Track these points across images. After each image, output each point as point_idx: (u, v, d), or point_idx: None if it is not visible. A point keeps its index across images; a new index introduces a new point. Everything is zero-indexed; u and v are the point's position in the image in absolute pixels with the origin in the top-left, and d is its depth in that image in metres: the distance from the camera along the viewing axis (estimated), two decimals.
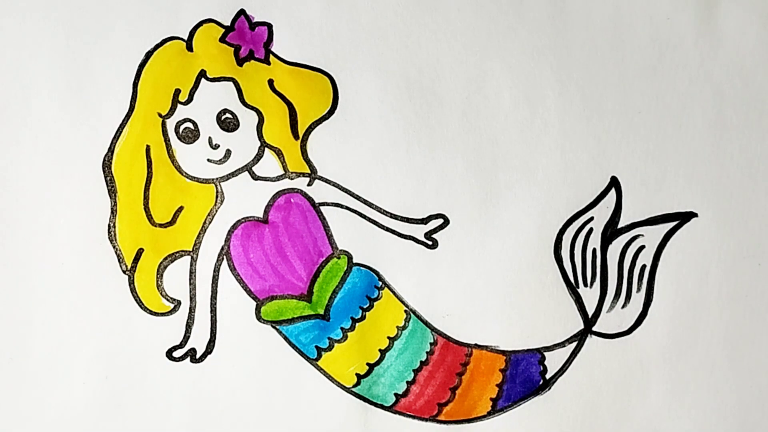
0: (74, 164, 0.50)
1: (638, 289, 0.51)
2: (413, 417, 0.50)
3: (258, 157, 0.51)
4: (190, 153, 0.50)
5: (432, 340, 0.51)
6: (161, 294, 0.50)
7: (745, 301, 0.51)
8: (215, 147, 0.50)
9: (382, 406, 0.50)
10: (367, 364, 0.50)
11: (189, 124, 0.50)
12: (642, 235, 0.51)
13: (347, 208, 0.51)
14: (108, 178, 0.50)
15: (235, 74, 0.51)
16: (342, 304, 0.50)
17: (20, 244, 0.50)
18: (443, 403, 0.50)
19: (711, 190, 0.52)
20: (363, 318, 0.50)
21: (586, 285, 0.51)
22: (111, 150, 0.50)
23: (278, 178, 0.51)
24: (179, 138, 0.50)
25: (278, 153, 0.51)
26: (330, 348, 0.50)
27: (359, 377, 0.50)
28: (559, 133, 0.52)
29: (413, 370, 0.50)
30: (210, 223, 0.50)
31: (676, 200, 0.52)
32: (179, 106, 0.50)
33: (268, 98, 0.51)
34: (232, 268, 0.50)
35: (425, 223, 0.51)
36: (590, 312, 0.51)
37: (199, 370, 0.50)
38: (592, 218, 0.51)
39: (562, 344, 0.51)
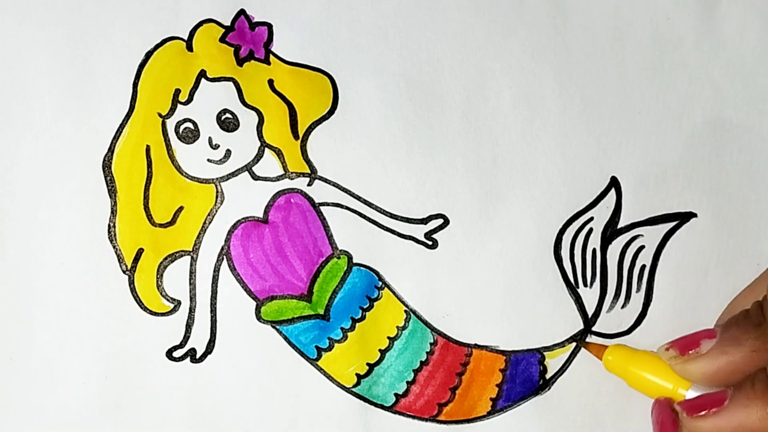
0: (74, 164, 0.50)
1: (638, 289, 0.51)
2: (413, 417, 0.50)
3: (258, 157, 0.51)
4: (190, 153, 0.50)
5: (432, 340, 0.51)
6: (161, 294, 0.50)
7: None
8: (215, 147, 0.50)
9: (382, 406, 0.50)
10: (367, 364, 0.50)
11: (189, 124, 0.50)
12: (642, 235, 0.51)
13: (347, 208, 0.51)
14: (108, 178, 0.50)
15: (235, 74, 0.51)
16: (342, 304, 0.50)
17: (20, 244, 0.50)
18: (443, 403, 0.50)
19: (711, 190, 0.52)
20: (363, 318, 0.50)
21: (585, 285, 0.51)
22: (111, 150, 0.50)
23: (278, 178, 0.51)
24: (179, 138, 0.50)
25: (278, 153, 0.51)
26: (330, 348, 0.50)
27: (359, 377, 0.50)
28: (559, 133, 0.52)
29: (413, 370, 0.50)
30: (210, 223, 0.50)
31: (675, 200, 0.52)
32: (179, 106, 0.50)
33: (268, 98, 0.51)
34: (232, 268, 0.50)
35: (425, 223, 0.51)
36: (590, 312, 0.51)
37: (199, 370, 0.50)
38: (592, 218, 0.51)
39: (562, 344, 0.51)
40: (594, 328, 0.51)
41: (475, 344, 0.51)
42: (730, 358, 0.43)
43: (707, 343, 0.44)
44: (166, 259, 0.50)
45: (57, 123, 0.50)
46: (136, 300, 0.50)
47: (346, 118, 0.51)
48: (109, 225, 0.50)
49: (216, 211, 0.50)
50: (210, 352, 0.50)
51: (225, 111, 0.50)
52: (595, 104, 0.52)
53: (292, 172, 0.51)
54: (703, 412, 0.43)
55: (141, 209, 0.50)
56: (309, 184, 0.51)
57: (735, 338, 0.43)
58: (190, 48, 0.51)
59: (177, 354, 0.50)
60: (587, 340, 0.51)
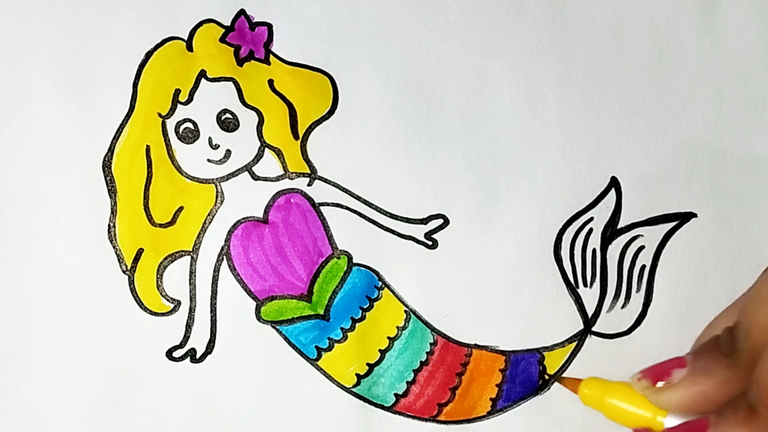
0: (74, 164, 0.50)
1: (638, 290, 0.51)
2: (413, 417, 0.50)
3: (258, 157, 0.51)
4: (190, 153, 0.50)
5: (432, 340, 0.51)
6: (161, 294, 0.50)
7: None
8: (215, 147, 0.50)
9: (382, 407, 0.50)
10: (367, 364, 0.50)
11: (189, 124, 0.50)
12: (642, 236, 0.51)
13: (347, 208, 0.51)
14: (108, 178, 0.50)
15: (235, 74, 0.51)
16: (342, 304, 0.50)
17: (20, 244, 0.50)
18: (443, 404, 0.50)
19: (711, 190, 0.52)
20: (363, 318, 0.50)
21: (585, 285, 0.51)
22: (111, 150, 0.50)
23: (278, 178, 0.51)
24: (179, 138, 0.50)
25: (278, 153, 0.51)
26: (330, 348, 0.50)
27: (359, 377, 0.50)
28: (559, 133, 0.52)
29: (413, 371, 0.50)
30: (210, 223, 0.50)
31: (675, 200, 0.52)
32: (179, 106, 0.50)
33: (268, 98, 0.51)
34: (232, 268, 0.50)
35: (425, 223, 0.51)
36: (590, 312, 0.51)
37: (199, 370, 0.50)
38: (592, 218, 0.51)
39: (561, 344, 0.51)
40: (594, 328, 0.51)
41: (475, 344, 0.51)
42: (701, 389, 0.42)
43: (678, 373, 0.43)
44: (166, 259, 0.50)
45: (57, 123, 0.50)
46: (136, 300, 0.50)
47: (346, 118, 0.51)
48: (109, 225, 0.50)
49: (216, 211, 0.50)
50: (210, 352, 0.50)
51: (225, 111, 0.50)
52: (595, 104, 0.52)
53: (292, 172, 0.51)
54: None
55: (141, 209, 0.50)
56: (309, 184, 0.51)
57: (705, 368, 0.42)
58: (190, 48, 0.51)
59: (177, 354, 0.50)
60: (587, 339, 0.51)
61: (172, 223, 0.50)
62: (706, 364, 0.43)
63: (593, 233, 0.51)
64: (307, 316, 0.50)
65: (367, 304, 0.50)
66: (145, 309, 0.50)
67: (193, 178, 0.50)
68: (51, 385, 0.49)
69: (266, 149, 0.51)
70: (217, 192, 0.50)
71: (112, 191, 0.50)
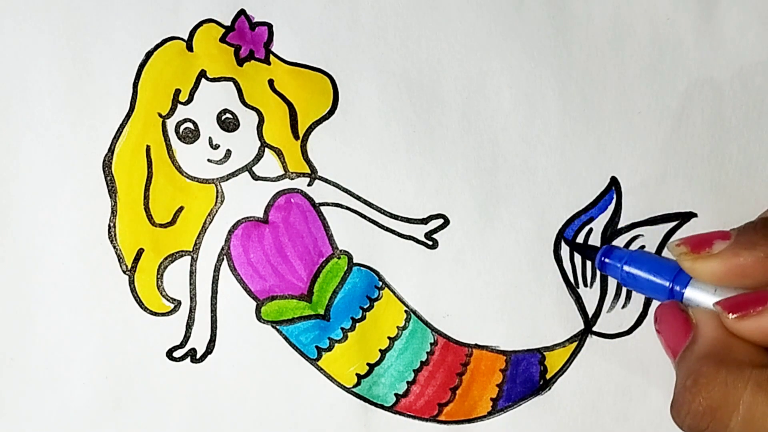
0: (74, 164, 0.50)
1: None
2: (413, 417, 0.50)
3: (258, 157, 0.51)
4: (191, 153, 0.50)
5: (432, 340, 0.51)
6: (161, 294, 0.50)
7: None
8: (215, 147, 0.50)
9: (382, 407, 0.50)
10: (368, 364, 0.50)
11: (189, 124, 0.50)
12: (642, 235, 0.51)
13: (347, 208, 0.51)
14: (108, 178, 0.50)
15: (235, 74, 0.51)
16: (342, 304, 0.50)
17: (20, 244, 0.50)
18: (443, 404, 0.50)
19: (711, 190, 0.52)
20: (363, 318, 0.50)
21: (586, 285, 0.51)
22: (111, 150, 0.50)
23: (278, 178, 0.51)
24: (179, 138, 0.50)
25: (278, 153, 0.51)
26: (330, 348, 0.50)
27: (359, 377, 0.50)
28: (559, 133, 0.52)
29: (413, 370, 0.50)
30: (210, 223, 0.50)
31: (676, 200, 0.52)
32: (179, 106, 0.50)
33: (268, 98, 0.51)
34: (232, 268, 0.50)
35: (425, 223, 0.51)
36: (590, 312, 0.51)
37: (199, 370, 0.50)
38: (592, 218, 0.51)
39: (562, 344, 0.51)
40: (594, 328, 0.51)
41: (476, 344, 0.51)
42: (741, 261, 0.42)
43: (720, 244, 0.42)
44: (166, 259, 0.50)
45: (57, 123, 0.50)
46: (136, 300, 0.50)
47: (346, 118, 0.51)
48: (109, 225, 0.50)
49: (216, 211, 0.50)
50: (210, 352, 0.50)
51: (225, 111, 0.50)
52: (595, 104, 0.52)
53: (292, 172, 0.51)
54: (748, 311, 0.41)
55: (141, 209, 0.50)
56: (309, 184, 0.51)
57: (750, 242, 0.42)
58: (190, 48, 0.51)
59: (177, 354, 0.50)
60: (588, 339, 0.51)
61: (172, 223, 0.50)
62: (751, 238, 0.42)
63: (593, 233, 0.51)
64: (308, 316, 0.50)
65: (368, 304, 0.50)
66: (146, 309, 0.50)
67: (193, 178, 0.50)
68: (51, 385, 0.49)
69: (266, 149, 0.51)
70: (217, 192, 0.50)
71: (112, 191, 0.50)
